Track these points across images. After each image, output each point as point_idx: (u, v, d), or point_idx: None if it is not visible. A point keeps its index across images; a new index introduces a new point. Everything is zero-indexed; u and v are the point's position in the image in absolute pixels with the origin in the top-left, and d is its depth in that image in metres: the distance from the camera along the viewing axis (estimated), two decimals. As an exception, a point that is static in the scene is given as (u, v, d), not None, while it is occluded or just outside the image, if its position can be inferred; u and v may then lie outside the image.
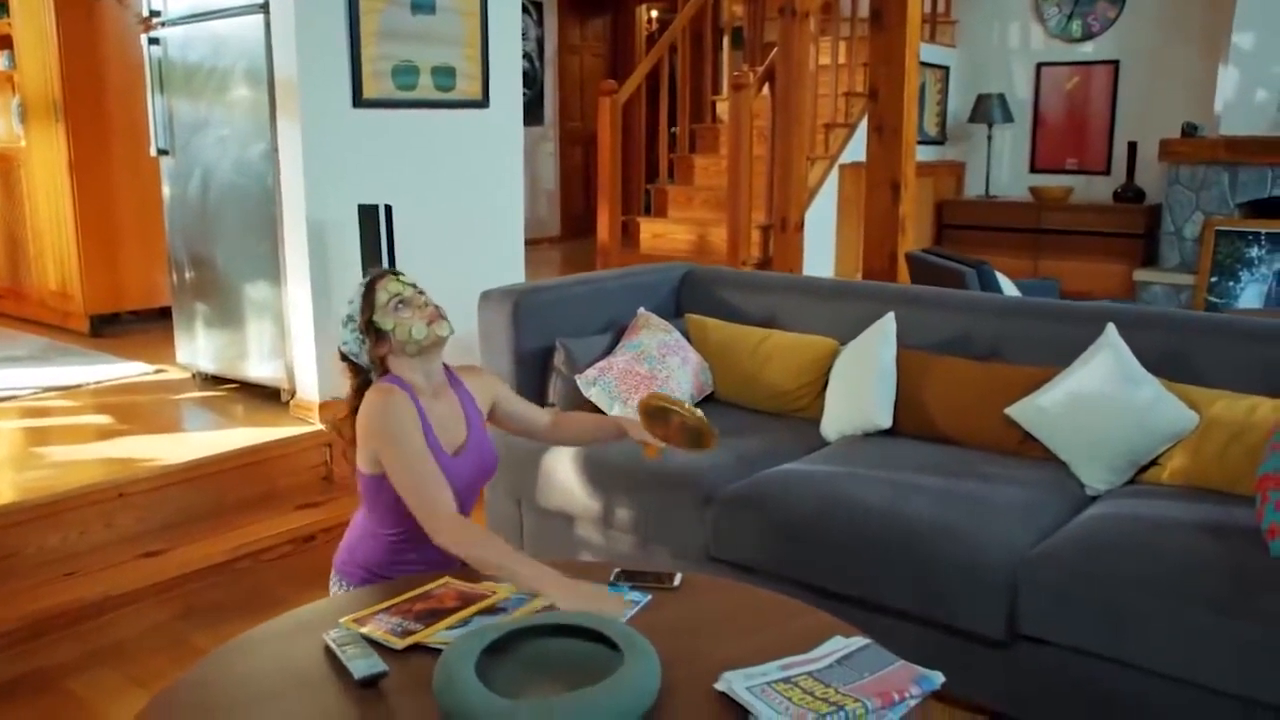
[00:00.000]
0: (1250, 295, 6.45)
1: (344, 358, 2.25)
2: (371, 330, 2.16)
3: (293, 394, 4.05)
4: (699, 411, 2.30)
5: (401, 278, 2.20)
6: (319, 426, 3.85)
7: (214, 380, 4.46)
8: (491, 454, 2.29)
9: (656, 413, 2.34)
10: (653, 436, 2.32)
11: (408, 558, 2.15)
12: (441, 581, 2.02)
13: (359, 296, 2.18)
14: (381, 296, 2.15)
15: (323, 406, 3.88)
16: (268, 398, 4.16)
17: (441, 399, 2.22)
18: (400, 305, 2.15)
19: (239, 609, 3.17)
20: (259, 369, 4.18)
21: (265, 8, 3.79)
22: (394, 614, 1.87)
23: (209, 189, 4.23)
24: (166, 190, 4.48)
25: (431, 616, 1.86)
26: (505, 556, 1.97)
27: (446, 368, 2.27)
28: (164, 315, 5.02)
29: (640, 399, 2.37)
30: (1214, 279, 6.54)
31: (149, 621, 3.14)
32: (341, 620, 1.84)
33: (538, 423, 2.46)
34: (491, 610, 1.88)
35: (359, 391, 2.21)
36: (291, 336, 4.00)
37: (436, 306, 2.18)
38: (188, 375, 4.56)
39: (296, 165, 3.79)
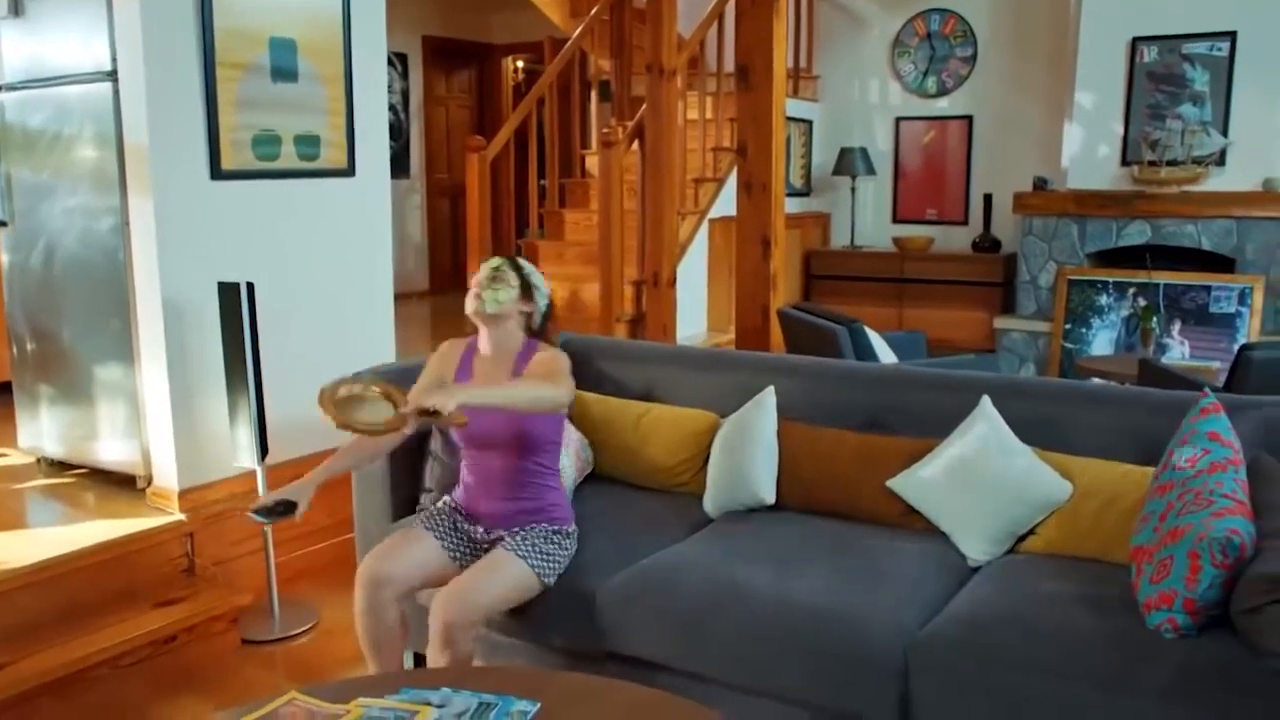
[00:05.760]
0: (1102, 341, 6.75)
1: None
2: None
3: (149, 480, 3.80)
4: (376, 389, 2.51)
5: (495, 259, 2.82)
6: (179, 516, 3.63)
7: (60, 466, 4.17)
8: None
9: (344, 404, 2.43)
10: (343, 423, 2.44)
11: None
12: (288, 698, 1.92)
13: None
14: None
15: (182, 495, 3.66)
16: (121, 484, 3.90)
17: (496, 362, 2.85)
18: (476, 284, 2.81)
19: (93, 724, 2.95)
20: (111, 453, 3.92)
21: (113, 75, 3.59)
22: None
23: (53, 261, 3.97)
24: (5, 259, 4.20)
25: None
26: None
27: (530, 342, 2.86)
28: (4, 391, 4.69)
29: (322, 392, 2.41)
30: (1068, 326, 6.81)
31: (-9, 745, 2.89)
32: None
33: None
34: None
35: None
36: (147, 420, 3.77)
37: (487, 286, 2.77)
38: (31, 460, 4.26)
39: (150, 240, 3.58)
